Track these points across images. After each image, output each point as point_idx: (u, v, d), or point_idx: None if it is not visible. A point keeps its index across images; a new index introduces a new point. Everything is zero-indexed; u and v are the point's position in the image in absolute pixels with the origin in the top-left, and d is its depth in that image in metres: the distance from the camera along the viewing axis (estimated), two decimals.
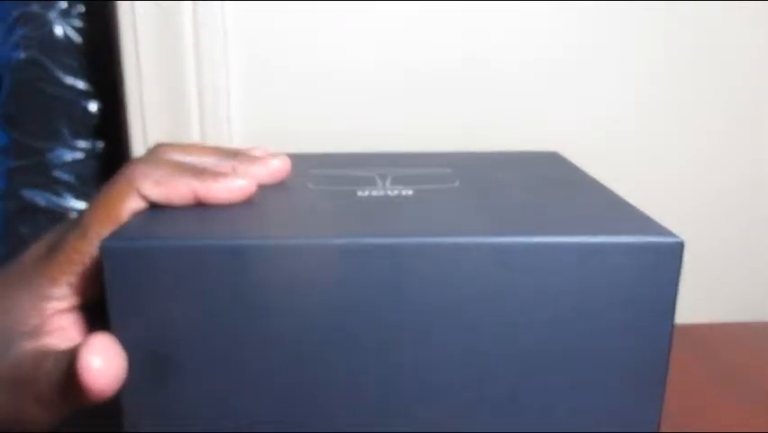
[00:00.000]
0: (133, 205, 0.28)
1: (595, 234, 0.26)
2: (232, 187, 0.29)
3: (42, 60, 0.48)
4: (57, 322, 0.28)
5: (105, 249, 0.25)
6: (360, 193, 0.32)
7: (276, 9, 0.47)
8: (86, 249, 0.27)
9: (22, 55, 0.48)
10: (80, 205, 0.50)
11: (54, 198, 0.50)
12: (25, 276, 0.28)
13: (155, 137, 0.47)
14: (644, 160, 0.52)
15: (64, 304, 0.28)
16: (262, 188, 0.32)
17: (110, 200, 0.28)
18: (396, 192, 0.32)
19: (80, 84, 0.50)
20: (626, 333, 0.26)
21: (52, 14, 0.48)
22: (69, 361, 0.25)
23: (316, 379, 0.27)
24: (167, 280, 0.26)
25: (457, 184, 0.34)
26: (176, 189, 0.29)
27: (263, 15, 0.48)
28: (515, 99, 0.50)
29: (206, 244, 0.25)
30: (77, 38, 0.49)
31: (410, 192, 0.32)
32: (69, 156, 0.49)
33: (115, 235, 0.26)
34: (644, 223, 0.27)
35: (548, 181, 0.35)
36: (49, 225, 0.49)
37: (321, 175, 0.36)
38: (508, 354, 0.26)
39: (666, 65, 0.50)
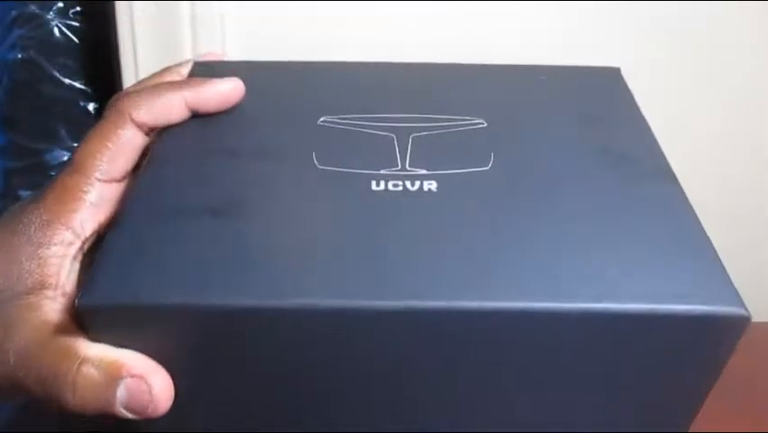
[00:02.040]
0: (129, 134, 0.27)
1: (648, 300, 0.21)
2: (222, 89, 0.29)
3: (40, 61, 0.48)
4: (60, 272, 0.25)
5: (80, 307, 0.22)
6: (374, 186, 0.26)
7: (275, 10, 0.47)
8: (83, 185, 0.26)
9: (20, 55, 0.48)
10: None
11: None
12: (17, 223, 0.25)
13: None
14: None
15: (64, 250, 0.25)
16: (267, 163, 0.28)
17: (104, 133, 0.27)
18: (416, 186, 0.26)
19: (78, 84, 0.49)
20: (661, 391, 0.24)
21: (50, 15, 0.48)
22: (109, 374, 0.23)
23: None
24: (148, 336, 0.23)
25: (490, 167, 0.27)
26: (168, 106, 0.28)
27: (262, 16, 0.48)
28: None
29: (192, 305, 0.22)
30: (75, 38, 0.49)
31: (433, 187, 0.26)
32: (67, 157, 0.49)
33: (92, 287, 0.22)
34: (709, 278, 0.22)
35: (600, 158, 0.28)
36: None
37: (332, 133, 0.29)
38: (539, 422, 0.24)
39: (666, 65, 0.50)
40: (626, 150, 0.28)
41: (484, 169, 0.27)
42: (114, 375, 0.23)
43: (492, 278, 0.22)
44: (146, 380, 0.23)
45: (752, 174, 0.53)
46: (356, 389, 0.24)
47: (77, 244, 0.26)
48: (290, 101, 0.32)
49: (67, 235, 0.25)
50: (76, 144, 0.49)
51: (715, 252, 0.24)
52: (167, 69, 0.32)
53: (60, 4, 0.48)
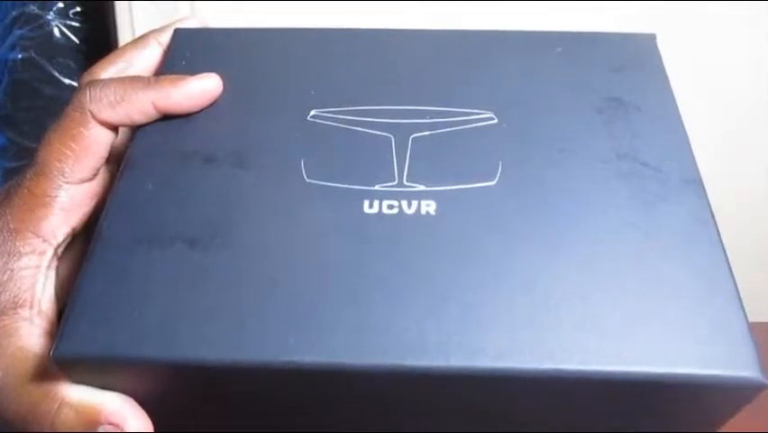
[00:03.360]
0: (93, 133, 0.25)
1: (660, 364, 0.20)
2: (192, 91, 0.26)
3: (40, 61, 0.48)
4: (34, 286, 0.24)
5: (55, 358, 0.21)
6: (367, 209, 0.24)
7: (275, 10, 0.47)
8: (50, 189, 0.24)
9: (20, 55, 0.48)
10: None
11: None
12: None
13: None
14: None
15: (36, 260, 0.24)
16: (250, 174, 0.25)
17: (66, 132, 0.25)
18: (413, 208, 0.24)
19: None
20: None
21: (50, 15, 0.48)
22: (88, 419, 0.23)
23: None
24: (126, 380, 0.23)
25: (495, 182, 0.24)
26: (134, 105, 0.25)
27: (262, 16, 0.48)
28: None
29: (165, 358, 0.21)
30: (75, 39, 0.49)
31: (432, 209, 0.23)
32: None
33: (65, 337, 0.21)
34: (728, 340, 0.21)
35: (622, 166, 0.25)
36: None
37: (323, 133, 0.26)
38: None
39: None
40: (651, 156, 0.25)
41: (489, 184, 0.24)
42: (92, 421, 0.22)
43: (481, 337, 0.21)
44: (123, 426, 0.22)
45: (752, 174, 0.53)
46: (338, 427, 0.24)
47: (50, 252, 0.25)
48: (278, 86, 0.28)
49: (38, 244, 0.24)
50: None
51: (737, 298, 0.22)
52: (142, 39, 0.30)
53: (60, 5, 0.48)
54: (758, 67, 0.50)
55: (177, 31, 0.31)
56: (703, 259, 0.22)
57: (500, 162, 0.25)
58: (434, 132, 0.26)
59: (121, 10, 0.45)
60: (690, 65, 0.50)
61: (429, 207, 0.24)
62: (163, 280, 0.22)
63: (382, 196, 0.24)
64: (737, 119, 0.51)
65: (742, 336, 0.21)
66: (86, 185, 0.26)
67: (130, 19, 0.45)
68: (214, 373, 0.21)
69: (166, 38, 0.30)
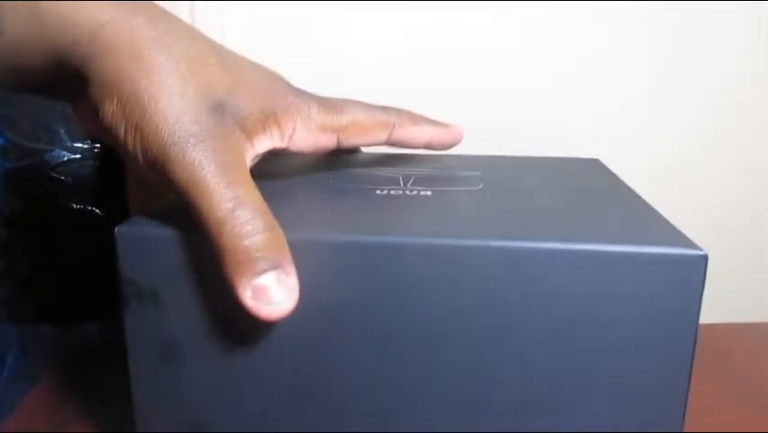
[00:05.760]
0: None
1: (614, 243, 0.24)
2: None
3: None
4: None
5: (119, 233, 0.25)
6: (379, 192, 0.31)
7: (275, 10, 0.47)
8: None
9: None
10: (78, 206, 0.50)
11: (51, 200, 0.49)
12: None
13: None
14: (649, 158, 0.51)
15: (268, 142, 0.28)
16: (280, 181, 0.32)
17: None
18: (415, 192, 0.31)
19: None
20: (645, 346, 0.25)
21: None
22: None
23: (320, 375, 0.26)
24: (181, 270, 0.25)
25: (480, 187, 0.32)
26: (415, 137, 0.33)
27: (262, 17, 0.48)
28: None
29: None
30: None
31: (429, 193, 0.31)
32: (66, 157, 0.49)
33: (132, 221, 0.26)
34: (668, 234, 0.25)
35: (579, 189, 0.33)
36: (46, 227, 0.48)
37: (344, 172, 0.35)
38: (518, 363, 0.25)
39: (665, 64, 0.50)
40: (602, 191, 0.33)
41: (476, 188, 0.32)
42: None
43: (474, 227, 0.26)
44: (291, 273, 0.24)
45: (752, 174, 0.52)
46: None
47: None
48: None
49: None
50: (74, 144, 0.49)
51: (675, 228, 0.26)
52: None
53: None
54: (758, 66, 0.50)
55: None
56: (641, 211, 0.29)
57: (483, 183, 0.33)
58: (432, 175, 0.34)
59: None
60: (690, 65, 0.50)
61: (427, 193, 0.31)
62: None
63: (390, 189, 0.31)
64: (737, 119, 0.51)
65: (682, 235, 0.25)
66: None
67: None
68: None
69: None
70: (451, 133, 0.34)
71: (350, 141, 0.31)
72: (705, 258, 0.24)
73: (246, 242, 0.23)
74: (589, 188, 0.33)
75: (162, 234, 0.25)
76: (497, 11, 0.48)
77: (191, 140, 0.24)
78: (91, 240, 0.49)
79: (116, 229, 0.25)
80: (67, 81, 0.26)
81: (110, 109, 0.25)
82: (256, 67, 0.29)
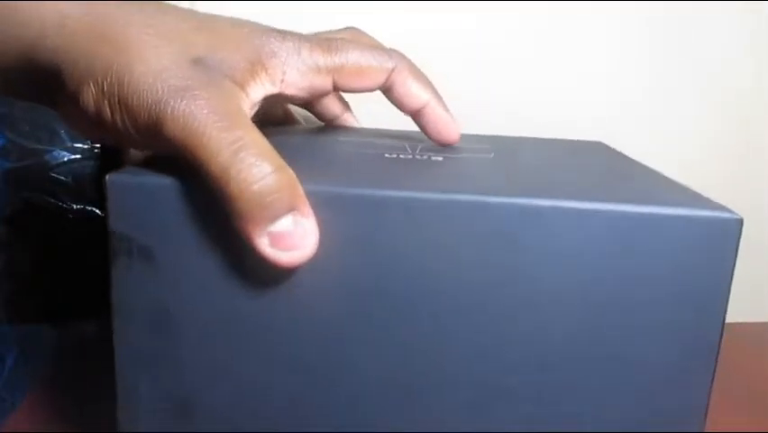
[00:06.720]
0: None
1: (645, 204, 0.22)
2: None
3: None
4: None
5: (110, 182, 0.22)
6: (387, 155, 0.29)
7: (274, 10, 0.47)
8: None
9: None
10: (78, 206, 0.50)
11: (52, 200, 0.49)
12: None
13: None
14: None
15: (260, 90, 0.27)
16: (289, 138, 0.31)
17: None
18: (426, 156, 0.29)
19: None
20: (675, 315, 0.23)
21: None
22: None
23: (322, 337, 0.24)
24: (178, 225, 0.23)
25: (492, 156, 0.30)
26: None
27: (262, 16, 0.47)
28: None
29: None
30: None
31: (440, 158, 0.29)
32: (66, 157, 0.49)
33: (125, 169, 0.23)
34: (701, 199, 0.24)
35: (595, 163, 0.30)
36: (46, 227, 0.48)
37: (348, 141, 0.33)
38: (536, 332, 0.23)
39: (664, 64, 0.50)
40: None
41: (487, 156, 0.30)
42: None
43: (493, 186, 0.24)
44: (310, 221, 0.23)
45: (752, 174, 0.52)
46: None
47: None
48: None
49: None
50: (74, 144, 0.49)
51: (705, 196, 0.25)
52: None
53: None
54: (758, 67, 0.50)
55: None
56: (665, 181, 0.27)
57: (494, 153, 0.31)
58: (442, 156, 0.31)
59: None
60: (690, 65, 0.50)
61: (438, 158, 0.29)
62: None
63: (399, 154, 0.30)
64: (737, 119, 0.51)
65: (714, 202, 0.24)
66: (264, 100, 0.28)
67: None
68: None
69: None
70: (449, 125, 0.31)
71: (346, 82, 0.29)
72: (740, 222, 0.23)
73: (256, 186, 0.21)
74: (604, 162, 0.31)
75: (158, 183, 0.23)
76: (497, 11, 0.48)
77: (179, 93, 0.22)
78: (91, 240, 0.49)
79: (107, 177, 0.23)
80: (44, 82, 0.25)
81: (89, 95, 0.23)
82: (236, 22, 0.28)
